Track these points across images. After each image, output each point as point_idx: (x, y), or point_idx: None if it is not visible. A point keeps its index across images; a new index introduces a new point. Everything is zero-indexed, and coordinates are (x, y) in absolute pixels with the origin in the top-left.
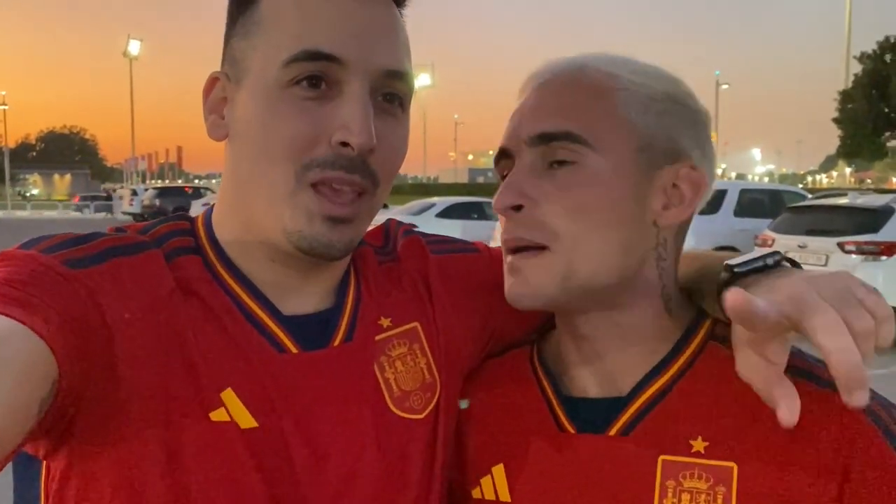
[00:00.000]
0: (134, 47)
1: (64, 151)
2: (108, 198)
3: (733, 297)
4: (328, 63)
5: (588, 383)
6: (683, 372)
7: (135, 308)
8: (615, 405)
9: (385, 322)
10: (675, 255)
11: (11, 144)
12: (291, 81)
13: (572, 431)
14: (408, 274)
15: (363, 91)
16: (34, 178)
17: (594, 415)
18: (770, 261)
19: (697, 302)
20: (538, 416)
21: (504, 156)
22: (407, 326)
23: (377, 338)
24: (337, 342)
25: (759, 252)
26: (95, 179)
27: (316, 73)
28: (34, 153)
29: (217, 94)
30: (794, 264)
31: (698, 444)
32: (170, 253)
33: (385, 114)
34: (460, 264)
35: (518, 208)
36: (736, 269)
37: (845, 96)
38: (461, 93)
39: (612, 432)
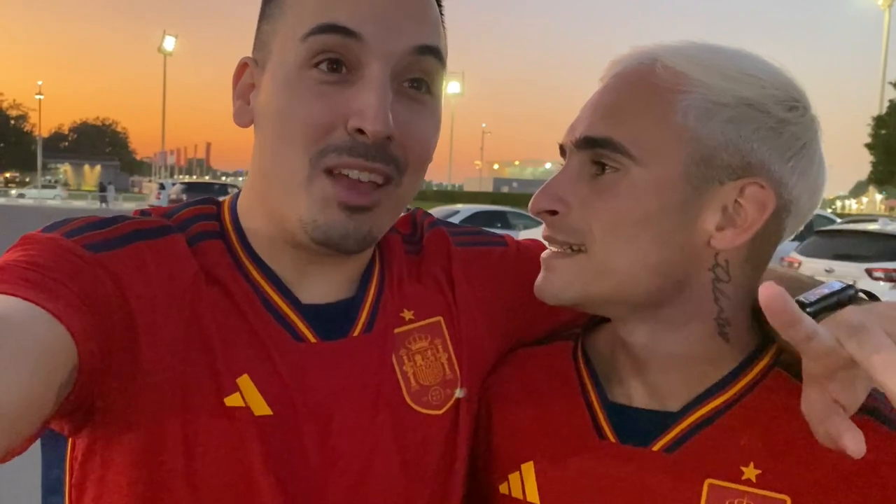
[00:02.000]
0: (169, 43)
1: (95, 143)
2: (103, 189)
3: (768, 290)
4: (346, 38)
5: (636, 392)
6: (742, 396)
7: (157, 292)
8: (663, 419)
9: (408, 315)
10: (745, 278)
11: (45, 134)
12: (310, 62)
13: (613, 440)
14: (432, 267)
15: (382, 75)
16: (65, 167)
17: (639, 426)
18: (844, 296)
19: (769, 326)
20: (577, 418)
21: (562, 152)
22: (430, 320)
23: (398, 330)
24: (356, 332)
25: (834, 286)
26: (124, 172)
27: (334, 55)
28: (66, 143)
29: (245, 80)
30: (873, 298)
31: (750, 472)
32: (193, 237)
33: (409, 99)
34: (486, 258)
35: (552, 213)
36: (808, 309)
37: (879, 122)
38: (490, 102)
39: (657, 447)
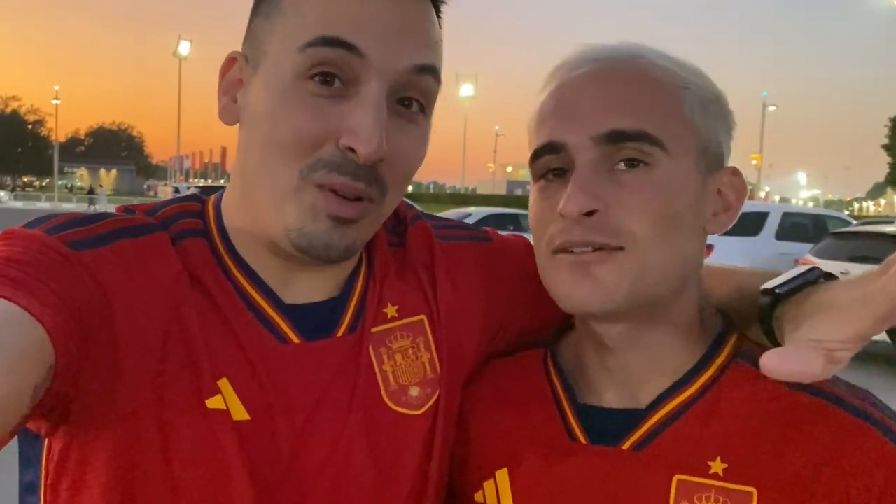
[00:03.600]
0: (184, 48)
1: (111, 147)
2: (91, 191)
3: (770, 361)
4: (346, 53)
5: (606, 393)
6: (706, 389)
7: (138, 291)
8: (632, 418)
9: (391, 311)
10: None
11: (61, 139)
12: (306, 73)
13: (584, 442)
14: (415, 263)
15: (380, 95)
16: (81, 171)
17: (609, 426)
18: (810, 277)
19: (737, 323)
20: (548, 421)
21: (551, 150)
22: (414, 318)
23: (379, 328)
24: (341, 332)
25: (797, 270)
26: (140, 176)
27: (330, 70)
28: (83, 147)
29: (233, 75)
30: (833, 278)
31: (717, 466)
32: (177, 235)
33: (401, 118)
34: (469, 253)
35: (590, 213)
36: (777, 291)
37: None
38: (503, 105)
39: (626, 446)
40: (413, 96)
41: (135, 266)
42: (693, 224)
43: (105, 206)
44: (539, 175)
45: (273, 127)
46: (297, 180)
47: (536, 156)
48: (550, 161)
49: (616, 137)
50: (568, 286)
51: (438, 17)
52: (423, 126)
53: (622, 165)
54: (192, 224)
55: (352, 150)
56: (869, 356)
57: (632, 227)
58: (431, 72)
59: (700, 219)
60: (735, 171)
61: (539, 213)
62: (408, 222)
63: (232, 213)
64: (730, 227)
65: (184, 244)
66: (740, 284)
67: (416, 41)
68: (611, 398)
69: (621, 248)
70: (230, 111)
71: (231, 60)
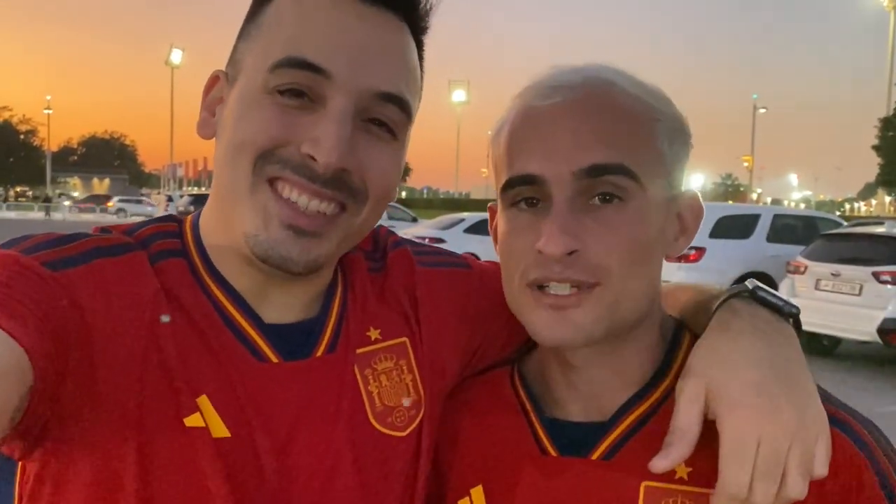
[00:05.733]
0: (176, 56)
1: (104, 156)
2: (48, 200)
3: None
4: (313, 74)
5: (572, 407)
6: (667, 396)
7: (115, 310)
8: (598, 429)
9: (374, 334)
10: None
11: (54, 148)
12: (275, 89)
13: (554, 454)
14: (395, 287)
15: (346, 109)
16: (74, 181)
17: (576, 438)
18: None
19: (694, 328)
20: (519, 437)
21: (527, 181)
22: (396, 341)
23: (363, 350)
24: (320, 352)
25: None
26: (133, 185)
27: (297, 87)
28: (75, 157)
29: (216, 94)
30: (761, 290)
31: (681, 471)
32: (155, 255)
33: (371, 135)
34: (448, 280)
35: (570, 252)
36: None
37: (886, 123)
38: (496, 110)
39: (595, 456)
40: (382, 119)
41: (112, 285)
42: (659, 251)
43: (64, 214)
44: (510, 202)
45: (236, 130)
46: (251, 176)
47: (510, 185)
48: (524, 191)
49: (596, 172)
50: (546, 326)
51: (421, 50)
52: (394, 146)
53: (597, 200)
54: (169, 244)
55: (312, 158)
56: (868, 356)
57: (608, 263)
58: (396, 102)
59: (664, 245)
60: (693, 195)
61: (512, 245)
62: (388, 248)
63: (210, 231)
64: (685, 248)
65: (162, 264)
66: (698, 298)
67: (385, 68)
68: (576, 411)
69: (598, 284)
70: (207, 125)
71: (214, 79)
